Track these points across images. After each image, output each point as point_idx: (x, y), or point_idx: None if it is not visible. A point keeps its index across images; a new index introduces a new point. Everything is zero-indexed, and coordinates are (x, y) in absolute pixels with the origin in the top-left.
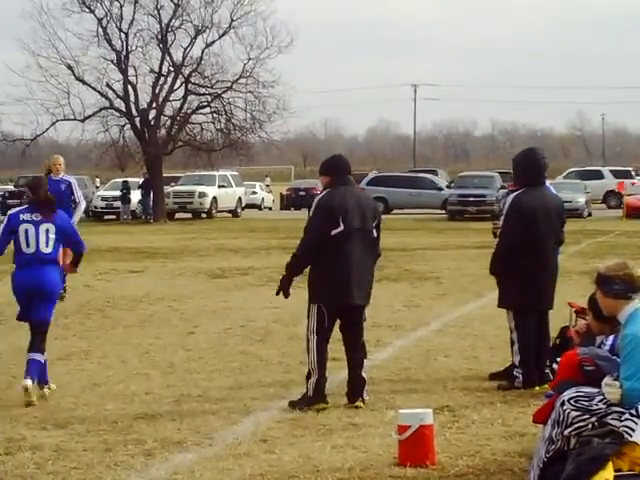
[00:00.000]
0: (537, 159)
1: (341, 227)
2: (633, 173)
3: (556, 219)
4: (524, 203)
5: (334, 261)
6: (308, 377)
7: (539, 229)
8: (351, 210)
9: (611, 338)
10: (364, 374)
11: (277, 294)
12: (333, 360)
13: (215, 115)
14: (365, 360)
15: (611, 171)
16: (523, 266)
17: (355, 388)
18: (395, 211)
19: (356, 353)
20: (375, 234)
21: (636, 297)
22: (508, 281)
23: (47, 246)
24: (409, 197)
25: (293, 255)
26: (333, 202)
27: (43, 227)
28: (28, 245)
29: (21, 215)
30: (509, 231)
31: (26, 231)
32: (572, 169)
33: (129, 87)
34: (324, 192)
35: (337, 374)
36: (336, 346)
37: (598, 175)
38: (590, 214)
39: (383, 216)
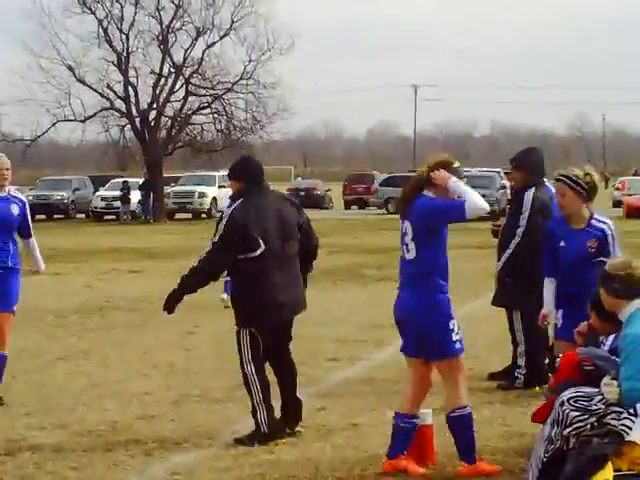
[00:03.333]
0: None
1: (262, 247)
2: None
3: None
4: (544, 201)
5: (259, 281)
6: (255, 413)
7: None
8: (271, 223)
9: (611, 338)
10: (299, 395)
11: (164, 309)
12: (333, 360)
13: (216, 116)
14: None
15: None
16: (538, 265)
17: (295, 412)
18: None
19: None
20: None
21: (637, 297)
22: (522, 281)
23: None
24: None
25: (192, 269)
26: (249, 217)
27: None
28: None
29: None
30: (534, 229)
31: None
32: None
33: (130, 88)
34: (237, 203)
35: (336, 374)
36: (333, 346)
37: None
38: None
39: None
